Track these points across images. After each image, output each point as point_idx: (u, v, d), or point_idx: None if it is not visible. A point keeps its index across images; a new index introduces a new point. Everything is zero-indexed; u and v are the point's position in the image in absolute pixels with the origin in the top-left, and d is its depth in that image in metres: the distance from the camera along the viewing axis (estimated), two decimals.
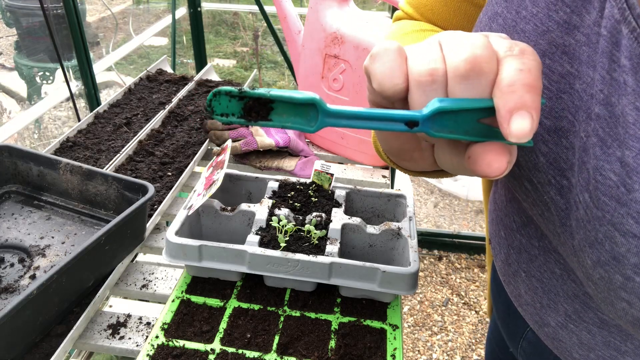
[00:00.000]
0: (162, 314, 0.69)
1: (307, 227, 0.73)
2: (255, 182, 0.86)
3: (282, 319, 0.69)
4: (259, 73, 3.76)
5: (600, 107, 0.31)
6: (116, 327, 0.72)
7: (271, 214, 0.76)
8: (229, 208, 0.79)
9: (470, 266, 2.31)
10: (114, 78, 2.34)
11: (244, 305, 0.71)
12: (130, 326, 0.72)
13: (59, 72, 1.80)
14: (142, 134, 1.11)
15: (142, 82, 1.41)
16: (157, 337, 0.65)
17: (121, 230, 0.74)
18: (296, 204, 0.80)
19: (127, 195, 0.82)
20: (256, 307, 0.71)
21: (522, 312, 0.53)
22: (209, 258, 0.70)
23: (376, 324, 0.69)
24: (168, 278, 0.82)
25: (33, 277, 0.74)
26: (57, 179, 0.87)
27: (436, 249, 2.39)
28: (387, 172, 1.13)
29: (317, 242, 0.72)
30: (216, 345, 0.65)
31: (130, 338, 0.70)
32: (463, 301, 2.13)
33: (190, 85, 1.37)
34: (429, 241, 2.37)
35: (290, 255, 0.68)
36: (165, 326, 0.67)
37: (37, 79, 1.95)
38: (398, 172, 1.72)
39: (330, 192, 0.84)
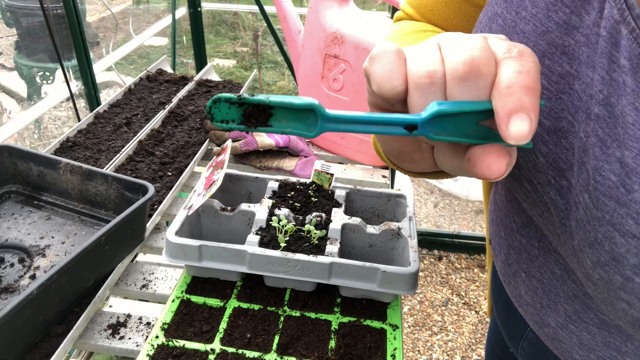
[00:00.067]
0: (162, 314, 0.69)
1: (307, 227, 0.73)
2: (255, 182, 0.86)
3: (282, 319, 0.69)
4: (259, 73, 3.76)
5: (599, 107, 0.31)
6: (116, 327, 0.72)
7: (271, 214, 0.76)
8: (229, 208, 0.79)
9: (470, 266, 2.31)
10: (114, 78, 2.33)
11: (244, 305, 0.71)
12: (130, 326, 0.72)
13: (59, 72, 1.80)
14: (142, 134, 1.11)
15: (142, 82, 1.41)
16: (157, 337, 0.65)
17: (121, 230, 0.74)
18: (296, 204, 0.80)
19: (127, 195, 0.82)
20: (256, 307, 0.71)
21: (522, 313, 0.53)
22: (209, 258, 0.70)
23: (376, 324, 0.70)
24: (168, 278, 0.82)
25: (33, 277, 0.74)
26: (57, 179, 0.87)
27: (436, 249, 2.39)
28: (387, 172, 1.13)
29: (317, 242, 0.72)
30: (216, 345, 0.65)
31: (130, 338, 0.70)
32: (463, 301, 2.13)
33: (190, 85, 1.37)
34: (429, 241, 2.37)
35: (290, 255, 0.68)
36: (165, 326, 0.67)
37: (37, 79, 1.95)
38: (398, 172, 1.72)
39: (330, 192, 0.84)
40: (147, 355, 0.63)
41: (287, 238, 0.72)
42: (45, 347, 0.65)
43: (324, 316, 0.70)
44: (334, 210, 0.78)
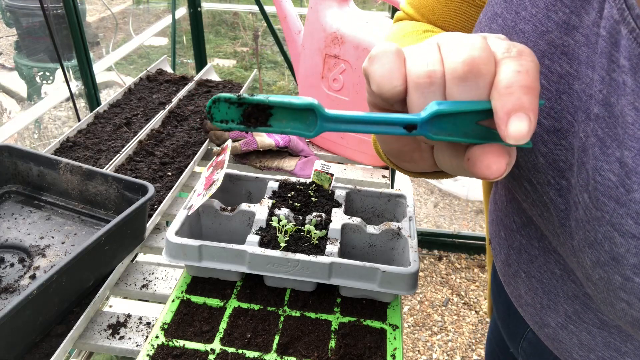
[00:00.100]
0: (162, 314, 0.69)
1: (307, 227, 0.73)
2: (255, 182, 0.86)
3: (282, 319, 0.69)
4: (259, 73, 3.76)
5: (599, 107, 0.31)
6: (116, 327, 0.72)
7: (271, 214, 0.76)
8: (229, 208, 0.79)
9: (470, 266, 2.31)
10: (114, 78, 2.34)
11: (244, 305, 0.71)
12: (130, 326, 0.72)
13: (59, 72, 1.80)
14: (142, 134, 1.11)
15: (142, 82, 1.41)
16: (157, 337, 0.65)
17: (121, 230, 0.74)
18: (296, 204, 0.81)
19: (127, 195, 0.82)
20: (256, 307, 0.71)
21: (522, 313, 0.53)
22: (209, 258, 0.70)
23: (376, 324, 0.70)
24: (168, 278, 0.82)
25: (33, 277, 0.74)
26: (57, 179, 0.87)
27: (436, 249, 2.39)
28: (387, 172, 1.13)
29: (317, 242, 0.72)
30: (216, 345, 0.65)
31: (130, 338, 0.70)
32: (463, 301, 2.13)
33: (190, 85, 1.37)
34: (429, 241, 2.37)
35: (290, 255, 0.68)
36: (165, 326, 0.67)
37: (37, 79, 1.95)
38: (398, 172, 1.72)
39: (330, 192, 0.84)
40: (147, 355, 0.63)
41: (287, 238, 0.72)
42: (45, 347, 0.65)
43: (324, 316, 0.70)
44: (334, 210, 0.78)
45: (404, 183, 2.45)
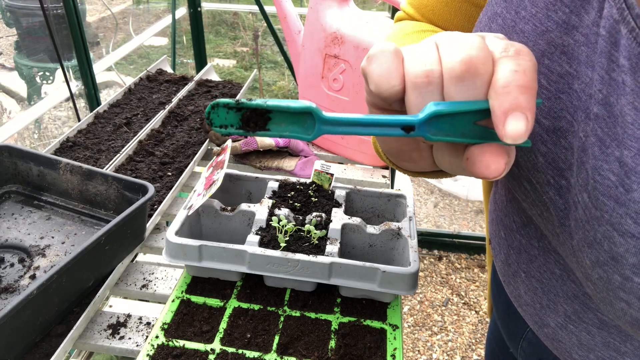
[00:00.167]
0: (162, 314, 0.69)
1: (307, 227, 0.73)
2: (255, 182, 0.86)
3: (282, 319, 0.69)
4: (259, 73, 3.76)
5: (598, 107, 0.31)
6: (116, 327, 0.72)
7: (271, 214, 0.76)
8: (229, 208, 0.79)
9: (470, 266, 2.31)
10: (114, 78, 2.34)
11: (244, 305, 0.71)
12: (130, 326, 0.72)
13: (59, 72, 1.80)
14: (142, 134, 1.11)
15: (142, 82, 1.41)
16: (157, 337, 0.65)
17: (121, 230, 0.74)
18: (296, 204, 0.81)
19: (127, 195, 0.82)
20: (256, 307, 0.71)
21: (521, 313, 0.53)
22: (209, 258, 0.70)
23: (376, 324, 0.70)
24: (168, 278, 0.82)
25: (33, 277, 0.74)
26: (57, 179, 0.87)
27: (436, 249, 2.39)
28: (387, 172, 1.13)
29: (317, 242, 0.72)
30: (216, 345, 0.65)
31: (130, 338, 0.70)
32: (463, 301, 2.13)
33: (190, 85, 1.37)
34: (429, 241, 2.37)
35: (290, 255, 0.68)
36: (165, 326, 0.67)
37: (37, 79, 1.95)
38: (398, 172, 1.72)
39: (330, 192, 0.84)
40: (147, 355, 0.63)
41: (287, 238, 0.72)
42: (45, 347, 0.65)
43: (324, 316, 0.70)
44: (334, 210, 0.78)
45: (404, 183, 2.45)
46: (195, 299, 0.72)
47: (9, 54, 2.05)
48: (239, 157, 1.10)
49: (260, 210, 0.76)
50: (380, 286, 0.68)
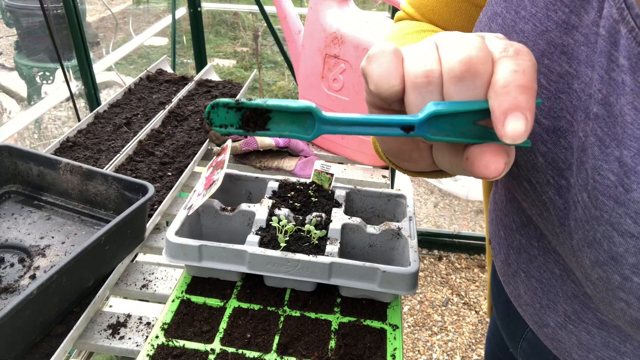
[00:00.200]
0: (162, 314, 0.69)
1: (307, 227, 0.73)
2: (255, 182, 0.86)
3: (282, 319, 0.69)
4: (259, 73, 3.76)
5: (598, 106, 0.31)
6: (116, 327, 0.72)
7: (271, 214, 0.76)
8: (229, 208, 0.79)
9: (470, 266, 2.31)
10: (114, 78, 2.34)
11: (244, 305, 0.71)
12: (130, 326, 0.72)
13: (59, 72, 1.80)
14: (142, 134, 1.11)
15: (142, 82, 1.41)
16: (157, 337, 0.65)
17: (121, 230, 0.74)
18: (296, 204, 0.81)
19: (127, 195, 0.82)
20: (256, 307, 0.71)
21: (521, 313, 0.53)
22: (209, 258, 0.70)
23: (376, 324, 0.70)
24: (168, 278, 0.82)
25: (33, 277, 0.74)
26: (57, 179, 0.87)
27: (436, 249, 2.39)
28: (387, 172, 1.13)
29: (317, 242, 0.72)
30: (216, 345, 0.65)
31: (130, 338, 0.70)
32: (463, 301, 2.13)
33: (190, 85, 1.37)
34: (429, 241, 2.37)
35: (290, 255, 0.68)
36: (165, 326, 0.67)
37: (37, 79, 1.95)
38: (398, 172, 1.72)
39: (330, 192, 0.84)
40: (147, 355, 0.63)
41: (287, 238, 0.72)
42: (45, 347, 0.65)
43: (324, 316, 0.70)
44: (334, 210, 0.78)
45: (404, 183, 2.45)
46: (195, 299, 0.72)
47: (9, 54, 2.05)
48: (239, 157, 1.10)
49: (260, 210, 0.76)
50: (380, 286, 0.68)
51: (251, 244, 0.70)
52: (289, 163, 1.08)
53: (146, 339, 0.68)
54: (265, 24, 1.96)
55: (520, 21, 0.37)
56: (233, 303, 0.71)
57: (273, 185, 0.84)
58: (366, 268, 0.67)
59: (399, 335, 0.68)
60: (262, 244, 0.71)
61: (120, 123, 1.17)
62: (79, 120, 1.31)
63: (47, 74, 1.95)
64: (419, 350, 1.93)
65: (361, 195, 0.85)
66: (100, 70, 2.02)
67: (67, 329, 0.67)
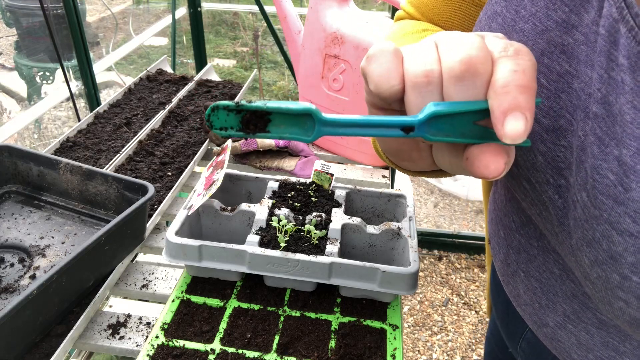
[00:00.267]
0: (162, 314, 0.69)
1: (307, 227, 0.73)
2: (255, 182, 0.86)
3: (282, 319, 0.69)
4: (259, 73, 3.76)
5: (598, 106, 0.31)
6: (116, 327, 0.72)
7: (271, 214, 0.76)
8: (229, 208, 0.79)
9: (470, 266, 2.31)
10: (114, 78, 2.34)
11: (244, 305, 0.71)
12: (130, 326, 0.72)
13: (59, 72, 1.80)
14: (142, 134, 1.11)
15: (142, 82, 1.41)
16: (157, 337, 0.65)
17: (121, 230, 0.74)
18: (296, 204, 0.81)
19: (127, 195, 0.82)
20: (256, 307, 0.71)
21: (521, 312, 0.53)
22: (209, 258, 0.70)
23: (376, 324, 0.70)
24: (168, 278, 0.82)
25: (33, 277, 0.74)
26: (57, 179, 0.87)
27: (436, 249, 2.39)
28: (387, 172, 1.13)
29: (317, 242, 0.72)
30: (216, 345, 0.65)
31: (130, 338, 0.70)
32: (463, 301, 2.13)
33: (190, 85, 1.37)
34: (429, 241, 2.37)
35: (290, 255, 0.68)
36: (165, 326, 0.67)
37: (37, 79, 1.95)
38: (398, 172, 1.72)
39: (330, 192, 0.84)
40: (147, 355, 0.63)
41: (287, 238, 0.72)
42: (45, 347, 0.65)
43: (324, 316, 0.70)
44: (334, 210, 0.78)
45: (404, 183, 2.45)
46: (195, 299, 0.72)
47: (9, 54, 2.05)
48: (239, 157, 1.10)
49: (260, 210, 0.76)
50: (380, 286, 0.68)
51: (251, 244, 0.70)
52: (289, 163, 1.08)
53: (146, 339, 0.68)
54: (265, 24, 1.96)
55: (520, 20, 0.37)
56: (233, 303, 0.71)
57: (273, 185, 0.84)
58: (366, 268, 0.67)
59: (399, 335, 0.68)
60: (262, 244, 0.71)
61: (120, 123, 1.17)
62: (79, 120, 1.31)
63: (47, 74, 1.95)
64: (419, 350, 1.93)
65: (361, 195, 0.85)
66: (100, 70, 2.02)
67: (67, 329, 0.67)
